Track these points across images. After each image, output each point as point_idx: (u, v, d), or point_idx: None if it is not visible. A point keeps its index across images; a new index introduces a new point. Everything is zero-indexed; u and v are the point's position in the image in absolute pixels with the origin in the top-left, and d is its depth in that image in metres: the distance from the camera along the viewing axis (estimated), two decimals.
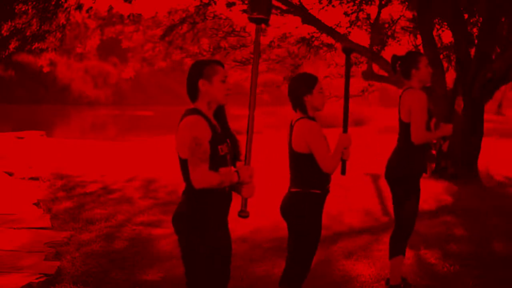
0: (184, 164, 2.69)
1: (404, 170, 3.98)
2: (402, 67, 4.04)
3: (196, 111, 2.72)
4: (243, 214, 2.75)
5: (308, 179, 3.33)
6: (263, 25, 2.86)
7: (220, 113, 2.83)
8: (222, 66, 2.79)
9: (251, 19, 2.79)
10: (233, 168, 2.80)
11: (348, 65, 3.44)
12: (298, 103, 3.37)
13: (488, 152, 10.66)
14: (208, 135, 2.66)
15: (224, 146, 2.73)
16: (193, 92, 2.77)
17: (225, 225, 2.81)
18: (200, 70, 2.74)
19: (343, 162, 3.41)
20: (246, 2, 10.15)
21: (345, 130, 3.39)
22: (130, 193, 7.83)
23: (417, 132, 3.88)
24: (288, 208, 3.38)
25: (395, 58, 4.07)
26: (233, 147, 2.82)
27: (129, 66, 14.25)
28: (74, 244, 5.26)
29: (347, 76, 3.45)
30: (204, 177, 2.61)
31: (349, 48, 3.45)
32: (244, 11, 10.24)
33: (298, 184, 3.35)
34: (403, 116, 3.98)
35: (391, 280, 4.08)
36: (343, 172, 3.45)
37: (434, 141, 4.18)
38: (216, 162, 2.68)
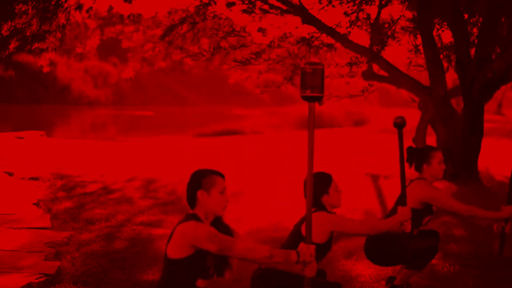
0: (170, 264, 2.72)
1: (396, 246, 3.85)
2: (416, 161, 3.98)
3: (196, 217, 2.75)
4: None
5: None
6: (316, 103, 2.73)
7: (218, 224, 2.85)
8: (222, 176, 2.81)
9: (304, 98, 2.68)
10: (216, 278, 2.81)
11: (401, 140, 3.34)
12: (316, 204, 3.40)
13: (488, 152, 10.66)
14: None
15: (211, 257, 2.74)
16: (192, 201, 2.80)
17: None
18: (198, 181, 2.77)
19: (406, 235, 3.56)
20: (246, 1, 10.16)
21: (404, 204, 3.43)
22: (130, 193, 7.83)
23: (463, 211, 3.95)
24: (264, 284, 3.32)
25: (410, 151, 4.00)
26: (219, 261, 2.81)
27: (129, 66, 14.26)
28: (74, 244, 5.26)
29: (401, 152, 3.38)
30: (250, 248, 2.66)
31: (400, 124, 3.33)
32: (245, 11, 10.25)
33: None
34: (410, 203, 3.83)
35: (398, 281, 4.07)
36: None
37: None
38: (198, 271, 2.71)
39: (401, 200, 3.45)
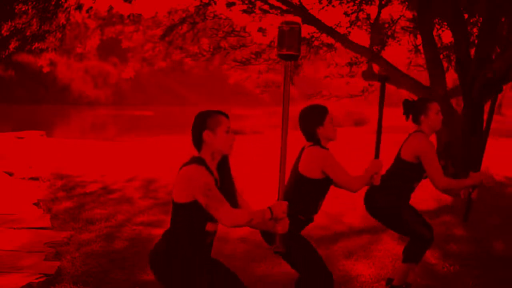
0: (176, 208, 2.72)
1: (390, 204, 3.92)
2: (413, 113, 4.00)
3: (200, 161, 2.74)
4: (279, 250, 2.75)
5: (298, 204, 3.34)
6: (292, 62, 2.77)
7: (223, 164, 2.85)
8: (226, 116, 2.81)
9: (281, 56, 2.73)
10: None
11: (383, 93, 3.45)
12: (310, 136, 3.41)
13: (488, 152, 10.66)
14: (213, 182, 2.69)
15: None
16: (197, 143, 2.79)
17: (207, 266, 2.81)
18: (204, 122, 2.77)
19: (375, 187, 3.58)
20: (246, 1, 10.15)
21: (376, 156, 3.46)
22: (130, 193, 7.83)
23: (439, 179, 3.84)
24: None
25: (406, 103, 4.02)
26: (230, 200, 2.80)
27: (129, 66, 14.26)
28: (74, 244, 5.27)
29: (381, 103, 3.46)
30: (234, 215, 2.63)
31: (385, 76, 3.46)
32: (245, 11, 10.24)
33: (289, 205, 3.33)
34: (405, 155, 3.93)
35: (396, 281, 4.07)
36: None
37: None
38: (205, 215, 2.69)
39: (375, 152, 3.49)
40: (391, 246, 5.37)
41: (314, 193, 3.36)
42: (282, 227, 2.72)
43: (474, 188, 4.06)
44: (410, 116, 4.02)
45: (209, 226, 2.74)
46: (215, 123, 2.76)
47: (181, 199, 2.69)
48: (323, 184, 3.40)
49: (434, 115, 3.96)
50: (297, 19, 10.16)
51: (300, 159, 3.40)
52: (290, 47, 2.67)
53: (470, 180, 3.96)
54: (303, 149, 3.44)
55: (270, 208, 2.69)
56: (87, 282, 4.29)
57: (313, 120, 3.38)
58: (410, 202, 4.05)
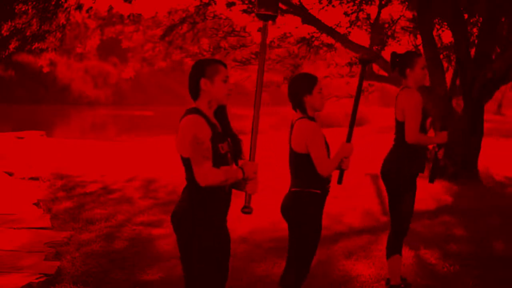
0: (186, 162, 2.70)
1: (399, 169, 3.99)
2: (399, 66, 4.06)
3: (195, 110, 2.72)
4: (247, 210, 2.75)
5: (308, 179, 3.33)
6: (269, 22, 2.85)
7: (221, 112, 2.84)
8: (225, 66, 2.80)
9: (259, 16, 2.77)
10: (234, 166, 2.80)
11: (362, 75, 3.46)
12: (297, 103, 3.37)
13: (488, 152, 10.66)
14: (208, 134, 2.67)
15: (224, 145, 2.74)
16: (194, 91, 2.78)
17: (224, 224, 2.81)
18: (202, 69, 2.75)
19: (341, 171, 3.47)
20: (246, 1, 10.15)
21: (348, 140, 3.42)
22: (130, 193, 7.83)
23: (410, 132, 3.90)
24: (289, 208, 3.38)
25: (394, 55, 4.08)
26: (234, 146, 2.82)
27: (129, 66, 14.26)
28: (74, 244, 5.27)
29: (359, 86, 3.47)
30: (209, 175, 2.62)
31: (366, 60, 3.47)
32: (245, 11, 10.25)
33: (298, 183, 3.35)
34: (398, 116, 4.01)
35: (391, 280, 4.08)
36: (339, 181, 3.50)
37: (430, 147, 4.19)
38: (217, 161, 2.68)
39: (348, 135, 3.46)
40: None
41: (313, 166, 3.32)
42: (252, 187, 2.73)
43: (440, 147, 4.10)
44: (397, 68, 4.07)
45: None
46: (213, 72, 2.75)
47: (184, 152, 2.68)
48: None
49: (419, 70, 4.01)
50: (297, 18, 10.17)
51: (292, 135, 3.39)
52: (268, 7, 2.74)
53: (437, 138, 4.04)
54: (292, 124, 3.42)
55: (241, 168, 2.69)
56: (87, 282, 4.29)
57: (301, 87, 3.36)
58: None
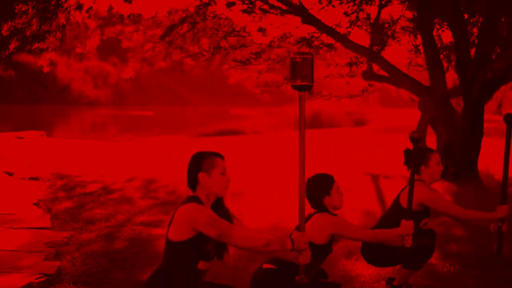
0: (171, 246, 2.74)
1: (390, 253, 3.87)
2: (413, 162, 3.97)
3: (197, 199, 2.77)
4: (303, 281, 2.75)
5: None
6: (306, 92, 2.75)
7: (218, 205, 2.87)
8: (222, 158, 2.83)
9: (295, 87, 2.70)
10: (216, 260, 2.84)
11: (416, 157, 3.42)
12: (317, 205, 3.44)
13: (488, 152, 10.66)
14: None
15: (211, 244, 2.77)
16: (192, 184, 2.81)
17: None
18: (199, 163, 2.79)
19: (405, 249, 3.55)
20: (246, 1, 10.16)
21: (408, 218, 3.39)
22: (130, 193, 7.83)
23: (462, 214, 3.88)
24: (263, 284, 3.30)
25: (407, 152, 3.96)
26: (220, 246, 2.84)
27: (129, 66, 14.26)
28: (74, 244, 5.26)
29: (413, 174, 3.38)
30: (248, 237, 2.68)
31: (417, 138, 3.35)
32: (245, 11, 10.24)
33: (277, 261, 3.29)
34: (404, 203, 3.83)
35: (397, 281, 4.07)
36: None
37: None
38: (199, 254, 2.73)
39: (407, 213, 3.39)
40: None
41: (316, 258, 3.33)
42: (305, 258, 2.72)
43: (504, 221, 3.92)
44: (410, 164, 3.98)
45: (202, 265, 2.77)
46: (211, 165, 2.78)
47: (178, 237, 2.71)
48: (326, 249, 3.45)
49: (435, 165, 3.93)
50: (297, 18, 10.17)
51: (307, 224, 3.35)
52: (304, 78, 2.67)
53: (497, 214, 3.85)
54: (310, 215, 3.44)
55: (291, 239, 2.69)
56: (87, 282, 4.29)
57: (320, 190, 3.42)
58: None
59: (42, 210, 6.68)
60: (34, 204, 6.93)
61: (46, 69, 12.49)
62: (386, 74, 10.23)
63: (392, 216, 3.91)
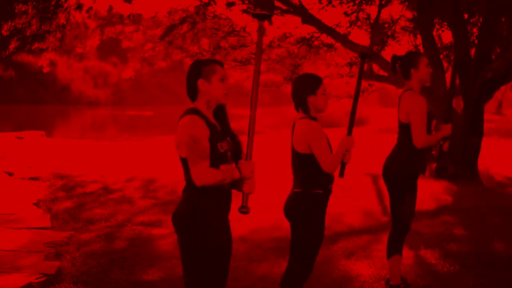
0: (184, 162, 2.71)
1: (401, 169, 4.00)
2: (402, 67, 4.04)
3: (194, 111, 2.74)
4: (244, 210, 2.75)
5: (310, 179, 3.33)
6: (265, 22, 2.85)
7: (220, 112, 2.84)
8: (221, 65, 2.80)
9: (254, 15, 2.78)
10: (234, 165, 2.80)
11: (362, 69, 3.48)
12: (300, 104, 3.38)
13: (488, 152, 10.66)
14: (206, 133, 2.67)
15: (224, 144, 2.75)
16: (192, 92, 2.79)
17: (226, 223, 2.81)
18: (198, 70, 2.76)
19: (343, 165, 3.46)
20: (246, 1, 10.15)
21: (349, 133, 3.43)
22: (130, 193, 7.83)
23: (418, 137, 3.89)
24: (292, 208, 3.37)
25: (395, 58, 4.06)
26: (234, 145, 2.83)
27: (129, 66, 14.27)
28: (74, 244, 5.27)
29: (359, 80, 3.48)
30: (205, 174, 2.62)
31: (365, 53, 3.48)
32: (245, 11, 10.24)
33: (300, 184, 3.35)
34: (402, 117, 4.00)
35: (391, 280, 4.08)
36: (341, 174, 3.48)
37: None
38: (216, 160, 2.69)
39: (349, 127, 3.48)
40: None
41: (317, 166, 3.32)
42: (249, 187, 2.73)
43: (445, 140, 4.09)
44: (398, 70, 4.04)
45: (224, 168, 2.72)
46: (210, 72, 2.75)
47: (182, 152, 2.69)
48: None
49: (424, 68, 3.99)
50: (297, 18, 10.17)
51: (293, 135, 3.39)
52: (264, 6, 2.75)
53: (442, 132, 4.02)
54: (294, 124, 3.42)
55: (238, 168, 2.70)
56: (87, 282, 4.29)
57: (305, 88, 3.36)
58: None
59: (42, 210, 6.68)
60: (34, 204, 6.93)
61: (46, 69, 12.49)
62: (386, 74, 10.22)
63: (398, 134, 4.06)
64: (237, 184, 2.78)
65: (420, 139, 3.89)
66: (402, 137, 4.02)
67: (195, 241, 2.68)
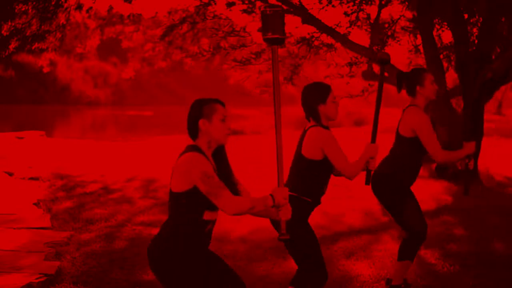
0: (175, 198, 2.71)
1: (393, 182, 3.95)
2: (407, 84, 4.01)
3: (195, 148, 2.74)
4: (284, 237, 2.72)
5: (306, 186, 3.35)
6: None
7: (220, 153, 2.85)
8: (223, 104, 2.80)
9: (266, 40, 2.71)
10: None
11: (382, 76, 3.46)
12: (311, 113, 3.39)
13: (488, 152, 10.67)
14: (213, 169, 2.69)
15: None
16: (193, 131, 2.79)
17: (206, 255, 2.81)
18: (200, 109, 2.76)
19: (368, 172, 3.49)
20: (246, 1, 10.15)
21: (373, 140, 3.46)
22: (130, 193, 7.83)
23: (436, 151, 3.86)
24: None
25: (400, 75, 4.01)
26: (230, 188, 2.81)
27: (129, 66, 14.26)
28: (74, 244, 5.27)
29: (380, 87, 3.46)
30: (234, 203, 2.62)
31: (384, 59, 3.45)
32: (245, 11, 10.24)
33: (294, 188, 3.35)
34: (403, 131, 3.95)
35: (394, 280, 4.07)
36: (367, 182, 3.53)
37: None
38: (203, 203, 2.69)
39: (372, 135, 3.49)
40: (391, 246, 5.36)
41: (318, 175, 3.34)
42: (285, 213, 2.70)
43: (470, 158, 4.04)
44: (403, 88, 4.02)
45: (208, 215, 2.72)
46: (211, 111, 2.75)
47: (179, 188, 2.68)
48: (326, 165, 3.38)
49: (429, 85, 3.97)
50: (297, 18, 10.16)
51: (303, 141, 3.39)
52: (275, 31, 2.68)
53: (465, 150, 3.96)
54: (304, 131, 3.42)
55: (271, 195, 2.67)
56: (87, 282, 4.29)
57: (316, 97, 3.37)
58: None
59: (42, 210, 6.68)
60: (34, 204, 6.93)
61: (46, 69, 12.48)
62: (386, 74, 10.23)
63: (395, 146, 4.03)
64: (269, 212, 2.78)
65: (438, 153, 3.85)
66: (398, 150, 3.98)
67: (176, 278, 2.68)
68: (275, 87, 2.73)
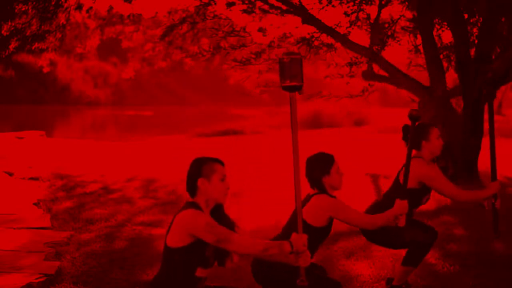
0: (169, 253, 2.73)
1: (392, 233, 3.86)
2: (413, 138, 3.96)
3: (194, 205, 2.76)
4: (303, 283, 2.74)
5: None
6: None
7: (218, 212, 2.86)
8: (222, 164, 2.82)
9: (285, 88, 2.69)
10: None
11: (413, 133, 3.40)
12: (316, 184, 3.41)
13: (488, 152, 10.66)
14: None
15: (210, 248, 2.75)
16: (192, 189, 2.80)
17: None
18: (199, 169, 2.78)
19: (399, 230, 3.48)
20: (246, 1, 10.15)
21: (403, 197, 3.41)
22: (130, 193, 7.83)
23: (455, 194, 3.94)
24: (264, 275, 3.30)
25: (406, 128, 3.94)
26: (220, 251, 2.81)
27: (129, 66, 14.25)
28: (74, 244, 5.27)
29: (411, 146, 3.41)
30: (245, 243, 2.65)
31: (415, 116, 3.37)
32: (245, 11, 10.24)
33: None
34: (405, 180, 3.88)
35: (396, 281, 4.07)
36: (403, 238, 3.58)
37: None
38: (197, 260, 2.71)
39: (400, 192, 3.43)
40: None
41: (314, 240, 3.32)
42: (305, 260, 2.70)
43: (496, 198, 3.99)
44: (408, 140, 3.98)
45: (200, 272, 2.75)
46: (211, 171, 2.77)
47: (175, 243, 2.70)
48: (325, 232, 3.42)
49: (435, 140, 3.94)
50: (297, 18, 10.16)
51: (307, 206, 3.36)
52: (293, 78, 2.64)
53: (490, 190, 3.95)
54: (308, 196, 3.41)
55: (290, 242, 2.67)
56: (87, 282, 4.29)
57: (319, 169, 3.38)
58: None
59: (42, 210, 6.68)
60: (34, 204, 6.93)
61: (46, 69, 12.48)
62: (386, 74, 10.22)
63: (391, 195, 3.92)
64: (287, 257, 2.75)
65: (458, 195, 3.91)
66: (396, 197, 3.90)
67: None
68: (293, 130, 2.70)
